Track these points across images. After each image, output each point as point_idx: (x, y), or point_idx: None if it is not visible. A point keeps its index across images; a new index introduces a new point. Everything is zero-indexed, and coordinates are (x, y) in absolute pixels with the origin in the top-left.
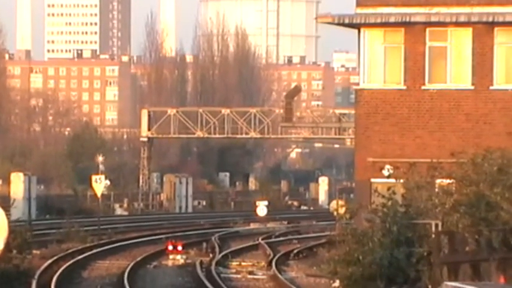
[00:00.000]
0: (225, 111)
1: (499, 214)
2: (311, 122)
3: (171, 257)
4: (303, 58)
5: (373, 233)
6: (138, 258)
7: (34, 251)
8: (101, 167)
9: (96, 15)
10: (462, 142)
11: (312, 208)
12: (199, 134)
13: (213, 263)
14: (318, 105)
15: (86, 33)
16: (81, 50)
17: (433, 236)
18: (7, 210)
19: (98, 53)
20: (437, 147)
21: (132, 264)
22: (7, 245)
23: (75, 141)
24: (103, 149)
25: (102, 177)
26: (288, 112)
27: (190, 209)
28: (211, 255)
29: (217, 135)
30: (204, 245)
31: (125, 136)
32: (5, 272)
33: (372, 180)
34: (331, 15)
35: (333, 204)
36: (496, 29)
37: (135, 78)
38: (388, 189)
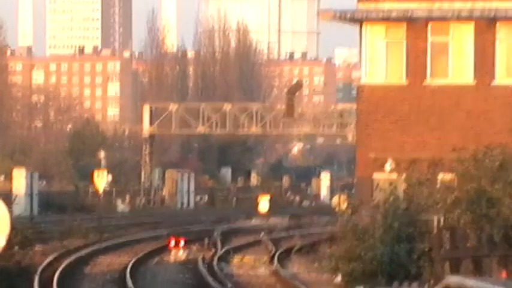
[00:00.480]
0: (227, 107)
1: (500, 210)
2: (312, 118)
3: (173, 252)
4: (304, 54)
5: (375, 229)
6: (140, 254)
7: (36, 247)
8: (103, 163)
9: (97, 10)
10: (463, 138)
11: (313, 204)
12: (200, 130)
13: (215, 258)
14: (319, 100)
15: (88, 29)
16: (83, 46)
17: (435, 232)
18: (9, 207)
19: (99, 48)
20: (438, 143)
21: (134, 260)
22: (9, 241)
23: (77, 137)
24: (104, 145)
25: (104, 173)
26: (289, 108)
27: (192, 205)
28: (213, 250)
29: (218, 131)
30: (206, 240)
31: (127, 132)
32: (6, 269)
33: (374, 176)
34: (333, 10)
35: (335, 199)
36: (497, 24)
37: (137, 74)
38: (390, 184)
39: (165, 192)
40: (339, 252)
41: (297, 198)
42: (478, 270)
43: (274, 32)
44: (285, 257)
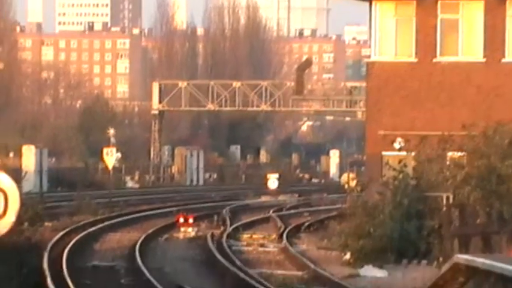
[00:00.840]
0: (236, 84)
1: (510, 187)
2: (322, 95)
3: (182, 229)
4: (314, 31)
5: (384, 205)
6: (149, 231)
7: (46, 224)
8: (112, 139)
9: None
10: (473, 115)
11: (322, 181)
12: (210, 107)
13: (224, 235)
14: (329, 78)
15: (97, 5)
16: (92, 23)
17: (444, 208)
18: (19, 183)
19: (109, 25)
20: (448, 120)
21: (143, 236)
22: (19, 217)
23: (86, 114)
24: (114, 121)
25: (114, 150)
26: (299, 85)
27: (201, 182)
28: (222, 227)
29: (228, 108)
30: (215, 217)
31: (136, 109)
32: (16, 245)
33: (383, 153)
34: None
35: (344, 177)
36: (507, 1)
37: (146, 51)
38: (399, 162)
39: (175, 169)
40: (348, 229)
41: (306, 175)
42: (488, 247)
43: (284, 8)
44: (294, 234)
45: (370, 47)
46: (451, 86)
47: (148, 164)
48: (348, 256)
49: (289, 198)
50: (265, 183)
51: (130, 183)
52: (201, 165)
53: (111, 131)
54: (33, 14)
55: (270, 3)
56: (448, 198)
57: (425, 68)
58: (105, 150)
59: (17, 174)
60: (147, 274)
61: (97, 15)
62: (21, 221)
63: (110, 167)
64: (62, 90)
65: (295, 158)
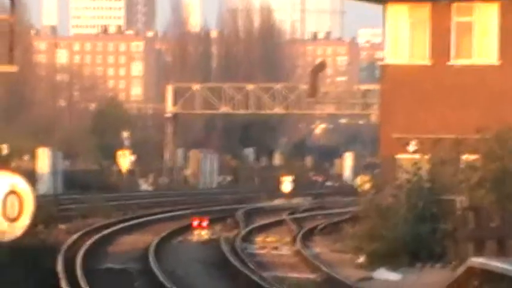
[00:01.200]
0: (250, 86)
1: None
2: (336, 98)
3: (195, 232)
4: (328, 33)
5: (398, 208)
6: (163, 234)
7: (60, 226)
8: (126, 142)
9: None
10: (487, 117)
11: (336, 184)
12: (223, 109)
13: (238, 238)
14: (343, 80)
15: (112, 8)
16: (107, 26)
17: (459, 212)
18: (33, 186)
19: (123, 28)
20: (462, 122)
21: (157, 239)
22: (33, 219)
23: (100, 116)
24: (128, 124)
25: (127, 152)
26: (312, 87)
27: (215, 185)
28: (235, 230)
29: (241, 111)
30: (229, 220)
31: (150, 111)
32: (31, 247)
33: (397, 156)
34: None
35: (358, 179)
36: None
37: (160, 53)
38: (413, 164)
39: (189, 172)
40: (362, 232)
41: (320, 178)
42: (502, 251)
43: (298, 11)
44: (307, 237)
45: (384, 49)
46: (465, 89)
47: (162, 167)
48: (361, 259)
49: (303, 201)
50: (279, 186)
51: (144, 186)
52: (215, 168)
53: (125, 134)
54: (48, 17)
55: (284, 5)
56: (462, 201)
57: (439, 70)
58: (119, 153)
59: (31, 177)
60: (161, 277)
61: (111, 18)
62: (36, 223)
63: (124, 169)
64: (76, 93)
65: (308, 160)
